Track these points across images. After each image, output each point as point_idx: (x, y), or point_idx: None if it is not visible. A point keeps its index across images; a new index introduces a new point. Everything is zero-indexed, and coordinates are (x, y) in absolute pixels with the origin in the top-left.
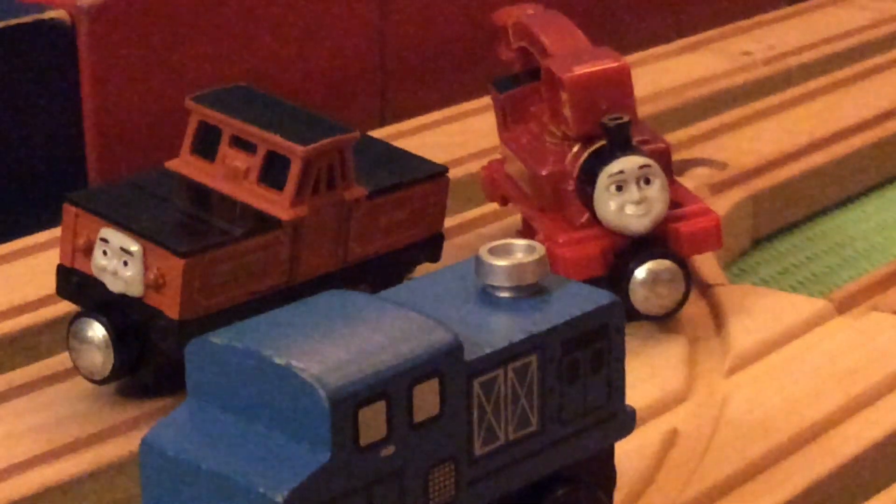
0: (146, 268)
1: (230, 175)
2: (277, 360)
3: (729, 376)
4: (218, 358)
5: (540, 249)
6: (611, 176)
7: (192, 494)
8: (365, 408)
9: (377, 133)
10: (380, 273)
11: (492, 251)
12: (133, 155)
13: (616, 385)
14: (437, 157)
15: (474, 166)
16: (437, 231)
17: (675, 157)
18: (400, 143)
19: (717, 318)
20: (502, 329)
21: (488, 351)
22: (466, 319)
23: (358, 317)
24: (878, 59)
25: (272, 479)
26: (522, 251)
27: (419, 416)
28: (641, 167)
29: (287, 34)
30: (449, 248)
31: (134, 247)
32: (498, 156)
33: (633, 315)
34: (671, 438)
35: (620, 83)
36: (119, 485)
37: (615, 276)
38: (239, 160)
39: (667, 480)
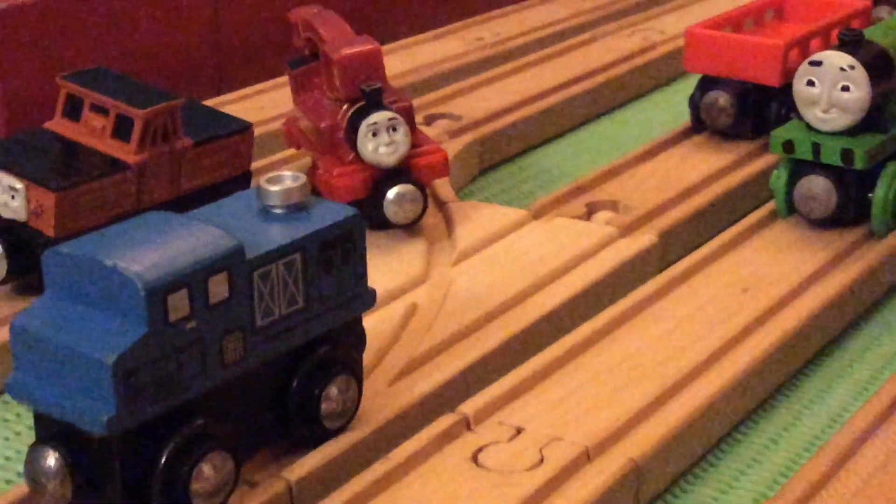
0: (28, 200)
1: (91, 132)
2: (107, 262)
3: (455, 265)
4: (66, 262)
5: (302, 178)
6: (368, 126)
7: (49, 362)
8: (172, 294)
9: (214, 100)
10: (204, 201)
11: (268, 180)
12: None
13: (360, 273)
14: (255, 116)
15: (279, 123)
16: (247, 169)
17: (426, 112)
18: (230, 108)
19: (449, 225)
20: (275, 235)
21: (264, 251)
22: (249, 229)
23: (168, 230)
24: (571, 42)
25: (105, 348)
26: (290, 179)
27: (213, 299)
28: (390, 119)
29: (142, 29)
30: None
31: (19, 185)
32: (293, 115)
33: (387, 224)
34: (411, 311)
35: (374, 60)
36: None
37: (373, 197)
38: (97, 121)
39: (408, 340)
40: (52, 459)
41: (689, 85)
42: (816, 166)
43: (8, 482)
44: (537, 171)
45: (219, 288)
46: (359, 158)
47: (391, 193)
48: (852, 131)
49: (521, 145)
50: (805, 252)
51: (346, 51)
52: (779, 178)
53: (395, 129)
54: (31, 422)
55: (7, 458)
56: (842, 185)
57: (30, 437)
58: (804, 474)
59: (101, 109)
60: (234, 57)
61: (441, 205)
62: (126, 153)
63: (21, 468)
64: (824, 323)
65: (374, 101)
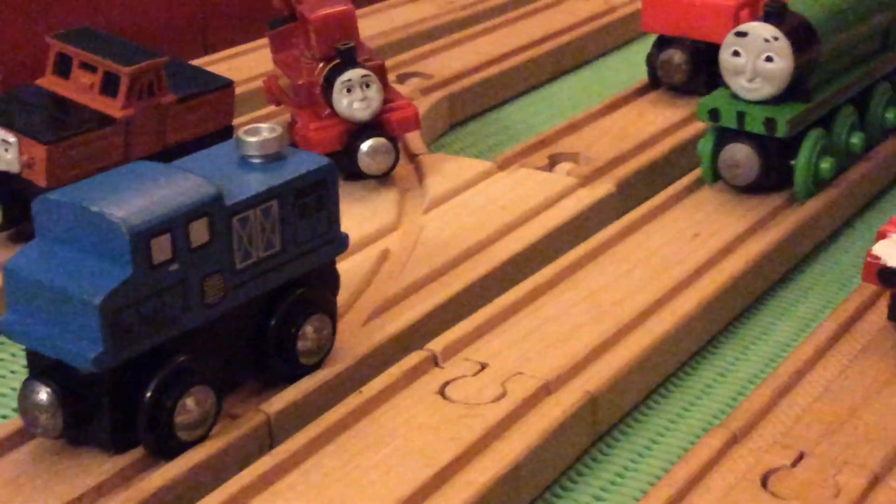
0: (21, 153)
1: (80, 88)
2: (94, 208)
3: (426, 214)
4: (55, 209)
5: (278, 129)
6: (342, 83)
7: (40, 302)
8: (155, 238)
9: (200, 60)
10: (188, 154)
11: (246, 132)
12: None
13: (333, 219)
14: (238, 76)
15: (260, 81)
16: (228, 124)
17: (399, 71)
18: (215, 67)
19: (420, 175)
20: (253, 183)
21: (242, 198)
22: (229, 177)
23: (151, 177)
24: (537, 4)
25: (92, 289)
26: (267, 131)
27: (195, 243)
28: (363, 76)
29: None
30: None
31: (11, 138)
32: (273, 73)
33: (361, 175)
34: (384, 256)
35: (348, 21)
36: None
37: (348, 150)
38: (86, 78)
39: (380, 283)
40: (44, 394)
41: (646, 45)
42: (741, 134)
43: (4, 417)
44: (503, 126)
45: (200, 232)
46: (334, 113)
47: (365, 146)
48: (776, 100)
49: (488, 102)
50: (750, 202)
51: (322, 12)
52: (705, 146)
53: (368, 86)
54: (25, 361)
55: (2, 395)
56: (765, 153)
57: (25, 375)
58: (749, 404)
59: (89, 67)
60: (219, 19)
61: (412, 157)
62: (113, 108)
63: (16, 405)
64: (769, 266)
65: (348, 59)
